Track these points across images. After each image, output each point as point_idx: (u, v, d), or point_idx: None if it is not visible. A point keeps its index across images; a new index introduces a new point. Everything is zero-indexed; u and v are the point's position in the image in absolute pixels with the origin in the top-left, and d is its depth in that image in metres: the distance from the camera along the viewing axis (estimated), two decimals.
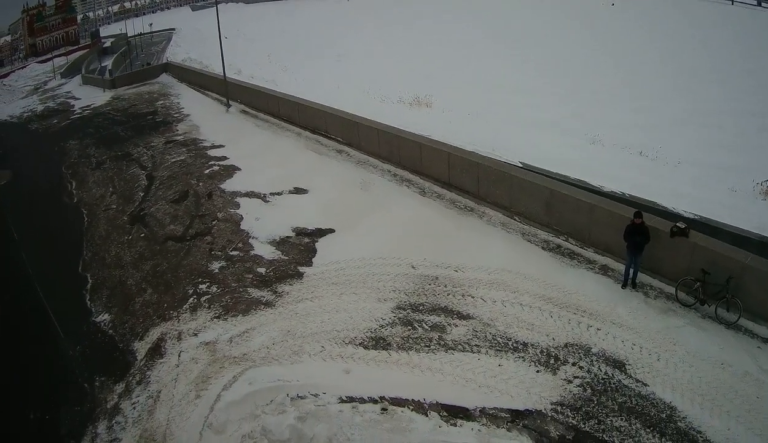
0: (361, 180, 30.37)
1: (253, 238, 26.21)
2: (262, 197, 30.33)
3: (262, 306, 20.97)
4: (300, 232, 26.12)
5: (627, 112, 42.50)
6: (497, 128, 37.56)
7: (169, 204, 31.49)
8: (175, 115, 52.52)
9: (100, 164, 41.23)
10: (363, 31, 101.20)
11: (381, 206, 27.14)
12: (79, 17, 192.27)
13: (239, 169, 35.06)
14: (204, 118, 49.30)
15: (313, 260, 23.72)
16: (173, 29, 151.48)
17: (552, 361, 16.74)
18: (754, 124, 38.04)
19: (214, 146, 40.26)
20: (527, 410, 15.17)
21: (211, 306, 21.40)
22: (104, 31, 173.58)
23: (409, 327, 18.86)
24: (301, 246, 24.95)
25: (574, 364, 16.56)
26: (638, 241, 18.88)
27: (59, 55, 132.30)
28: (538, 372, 16.42)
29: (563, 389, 15.75)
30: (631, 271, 19.51)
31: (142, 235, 28.44)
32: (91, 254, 27.54)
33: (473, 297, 19.88)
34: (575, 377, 16.10)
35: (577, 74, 57.80)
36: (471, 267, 21.49)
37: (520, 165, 28.64)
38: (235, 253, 25.11)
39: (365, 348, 18.21)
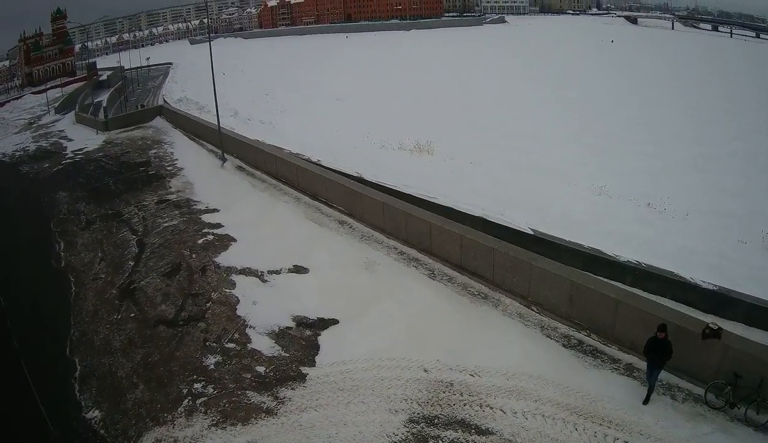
0: (366, 259, 29.73)
1: (250, 327, 25.44)
2: (260, 276, 29.65)
3: (263, 415, 20.08)
4: (301, 322, 25.40)
5: (633, 156, 42.59)
6: (500, 178, 37.44)
7: (161, 278, 30.74)
8: (168, 168, 52.32)
9: (90, 223, 40.63)
10: (363, 68, 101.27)
11: (388, 293, 26.39)
12: (77, 46, 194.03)
13: (234, 240, 34.48)
14: (198, 174, 48.97)
15: (317, 358, 22.93)
16: (170, 64, 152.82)
17: None
18: (758, 165, 38.45)
19: (208, 210, 39.82)
20: None
21: (208, 411, 20.51)
22: (102, 61, 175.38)
23: None
24: (303, 340, 24.20)
25: None
26: (659, 358, 18.31)
27: (55, 87, 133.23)
28: None
29: None
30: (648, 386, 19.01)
31: (132, 315, 27.57)
32: (79, 334, 26.59)
33: (492, 408, 19.07)
34: None
35: (583, 116, 58.21)
36: (488, 371, 20.72)
37: (531, 232, 28.46)
38: (231, 346, 24.33)
39: None
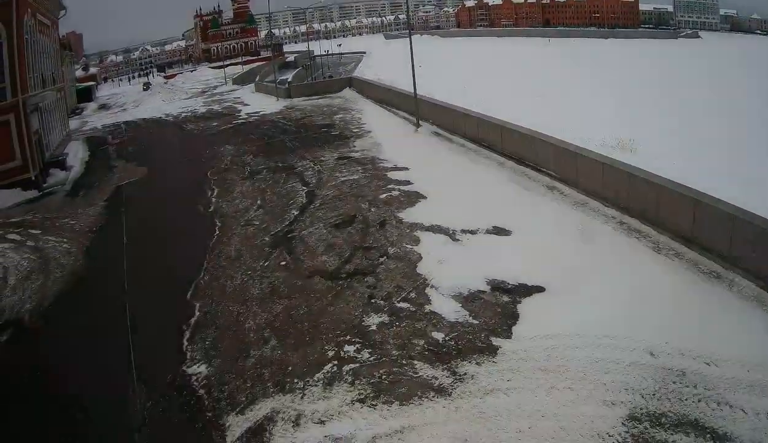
0: (579, 226, 24.77)
1: (431, 287, 20.63)
2: (450, 234, 25.02)
3: (432, 394, 15.07)
4: (497, 286, 20.35)
5: None
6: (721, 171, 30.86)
7: (328, 229, 26.98)
8: (354, 130, 49.63)
9: (254, 174, 38.38)
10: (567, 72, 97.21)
11: (604, 263, 21.33)
12: (263, 33, 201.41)
13: (424, 197, 30.17)
14: (387, 136, 45.71)
15: (514, 329, 17.87)
16: (364, 52, 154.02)
17: None
18: None
19: (396, 168, 35.89)
20: None
21: (356, 382, 15.78)
22: (289, 48, 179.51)
23: None
24: (498, 307, 19.11)
25: None
26: None
27: (235, 64, 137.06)
28: None
29: None
30: None
31: (283, 263, 23.81)
32: (209, 278, 23.16)
33: (731, 407, 14.21)
34: None
35: None
36: (725, 360, 15.72)
37: None
38: (404, 305, 19.56)
39: None
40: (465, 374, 15.78)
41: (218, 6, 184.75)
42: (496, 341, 17.25)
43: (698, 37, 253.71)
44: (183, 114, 71.22)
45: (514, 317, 18.53)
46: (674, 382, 15.05)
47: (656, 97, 68.71)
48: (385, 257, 23.42)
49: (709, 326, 17.22)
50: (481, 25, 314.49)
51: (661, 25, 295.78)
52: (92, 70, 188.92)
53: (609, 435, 13.39)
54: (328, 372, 16.34)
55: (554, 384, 15.10)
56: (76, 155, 52.26)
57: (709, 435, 13.28)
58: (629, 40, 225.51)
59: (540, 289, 20.05)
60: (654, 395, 14.63)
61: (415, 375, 15.88)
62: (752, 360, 15.58)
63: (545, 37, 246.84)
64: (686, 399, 14.45)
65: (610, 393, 14.76)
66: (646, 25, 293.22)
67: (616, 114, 56.87)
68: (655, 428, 13.59)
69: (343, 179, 34.85)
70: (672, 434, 13.37)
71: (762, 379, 14.95)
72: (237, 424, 14.69)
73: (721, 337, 16.59)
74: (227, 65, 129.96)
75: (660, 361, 15.87)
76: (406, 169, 35.51)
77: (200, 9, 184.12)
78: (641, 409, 14.19)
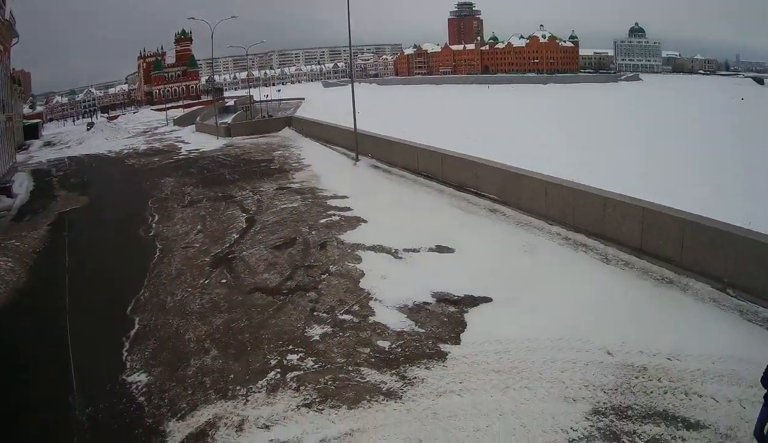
0: (524, 242, 24.64)
1: (375, 300, 19.98)
2: (393, 253, 24.50)
3: (382, 397, 14.34)
4: (442, 298, 19.81)
5: None
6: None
7: (269, 250, 26.19)
8: (294, 164, 49.10)
9: (194, 202, 37.41)
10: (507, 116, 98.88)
11: (553, 275, 21.08)
12: (203, 79, 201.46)
13: (365, 221, 29.67)
14: (327, 169, 45.33)
15: (462, 336, 17.29)
16: (302, 98, 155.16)
17: None
18: None
19: (336, 197, 35.38)
20: None
21: (301, 388, 14.95)
22: (229, 94, 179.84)
23: None
24: (444, 316, 18.55)
25: None
26: None
27: (176, 107, 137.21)
28: None
29: None
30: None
31: (223, 281, 22.97)
32: (150, 294, 22.25)
33: (701, 396, 13.93)
34: None
35: None
36: (688, 355, 15.55)
37: None
38: (347, 317, 18.84)
39: None
40: (415, 378, 15.13)
41: (162, 48, 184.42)
42: (444, 347, 16.68)
43: (639, 79, 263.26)
44: (125, 151, 71.13)
45: (462, 325, 18.00)
46: (636, 377, 14.74)
47: (576, 134, 70.30)
48: (326, 274, 22.75)
49: (666, 326, 17.10)
50: (419, 73, 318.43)
51: (601, 69, 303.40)
52: (39, 108, 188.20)
53: (573, 430, 12.92)
54: (271, 379, 15.51)
55: (510, 384, 14.58)
56: (22, 184, 51.33)
57: (680, 424, 12.98)
58: (568, 85, 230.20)
59: (487, 299, 19.59)
60: (617, 390, 14.27)
61: (363, 381, 15.15)
62: (717, 354, 15.45)
63: (484, 83, 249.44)
64: (651, 392, 14.13)
65: (569, 390, 14.30)
66: (587, 70, 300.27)
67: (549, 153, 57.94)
68: (622, 421, 13.19)
69: (282, 206, 34.25)
70: (640, 425, 13.00)
71: (730, 369, 14.77)
72: (178, 430, 13.72)
73: (680, 335, 16.46)
74: (169, 108, 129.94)
75: (619, 359, 15.58)
76: (346, 197, 35.03)
77: (144, 50, 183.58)
78: (604, 404, 13.78)
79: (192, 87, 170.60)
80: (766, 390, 11.22)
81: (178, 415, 14.22)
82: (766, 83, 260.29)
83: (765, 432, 11.52)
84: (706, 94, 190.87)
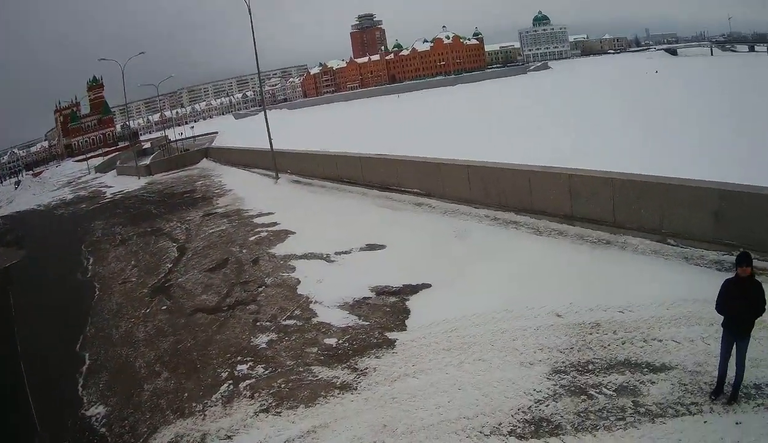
0: (453, 229, 24.83)
1: (315, 303, 20.16)
2: (325, 258, 24.71)
3: (337, 391, 14.41)
4: (382, 291, 20.02)
5: None
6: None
7: (203, 273, 26.16)
8: (216, 191, 49.43)
9: (125, 240, 37.23)
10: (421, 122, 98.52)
11: (488, 254, 21.22)
12: (118, 126, 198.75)
13: (293, 233, 29.83)
14: (249, 190, 45.76)
15: (407, 322, 17.45)
16: (216, 132, 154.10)
17: None
18: None
19: (261, 214, 35.59)
20: None
21: (256, 395, 14.96)
22: (145, 137, 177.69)
23: (583, 396, 12.52)
24: (386, 307, 18.73)
25: None
26: (744, 311, 10.84)
27: (96, 156, 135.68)
28: None
29: None
30: (730, 372, 11.66)
31: (164, 307, 22.93)
32: (95, 330, 22.20)
33: (661, 341, 14.05)
34: None
35: None
36: (640, 305, 15.65)
37: None
38: (290, 322, 18.92)
39: (522, 438, 11.73)
40: (366, 368, 15.28)
41: (76, 98, 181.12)
42: (391, 335, 16.87)
43: (548, 67, 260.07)
44: (53, 203, 71.51)
45: (405, 312, 18.23)
46: (590, 334, 14.91)
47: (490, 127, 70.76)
48: (263, 287, 22.88)
49: (612, 283, 17.25)
50: (327, 92, 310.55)
51: (509, 62, 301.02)
52: None
53: (536, 390, 13.01)
54: (225, 391, 15.49)
55: (463, 359, 14.73)
56: None
57: (645, 369, 13.11)
58: (476, 83, 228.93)
59: (426, 285, 19.86)
60: (572, 348, 14.42)
61: (315, 378, 15.25)
62: (669, 300, 15.58)
63: (394, 93, 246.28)
64: (609, 345, 14.29)
65: (525, 356, 14.43)
66: (495, 65, 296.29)
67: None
68: (584, 375, 13.29)
69: (210, 231, 34.27)
70: (605, 377, 13.10)
71: (686, 311, 14.94)
72: None
73: (628, 289, 16.60)
74: (89, 157, 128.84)
75: (570, 319, 15.75)
76: (272, 213, 35.26)
77: (59, 103, 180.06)
78: (563, 363, 13.92)
79: (109, 134, 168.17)
80: (724, 319, 11.49)
81: (141, 440, 14.11)
82: (680, 54, 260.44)
83: (729, 377, 11.67)
84: (615, 71, 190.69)
